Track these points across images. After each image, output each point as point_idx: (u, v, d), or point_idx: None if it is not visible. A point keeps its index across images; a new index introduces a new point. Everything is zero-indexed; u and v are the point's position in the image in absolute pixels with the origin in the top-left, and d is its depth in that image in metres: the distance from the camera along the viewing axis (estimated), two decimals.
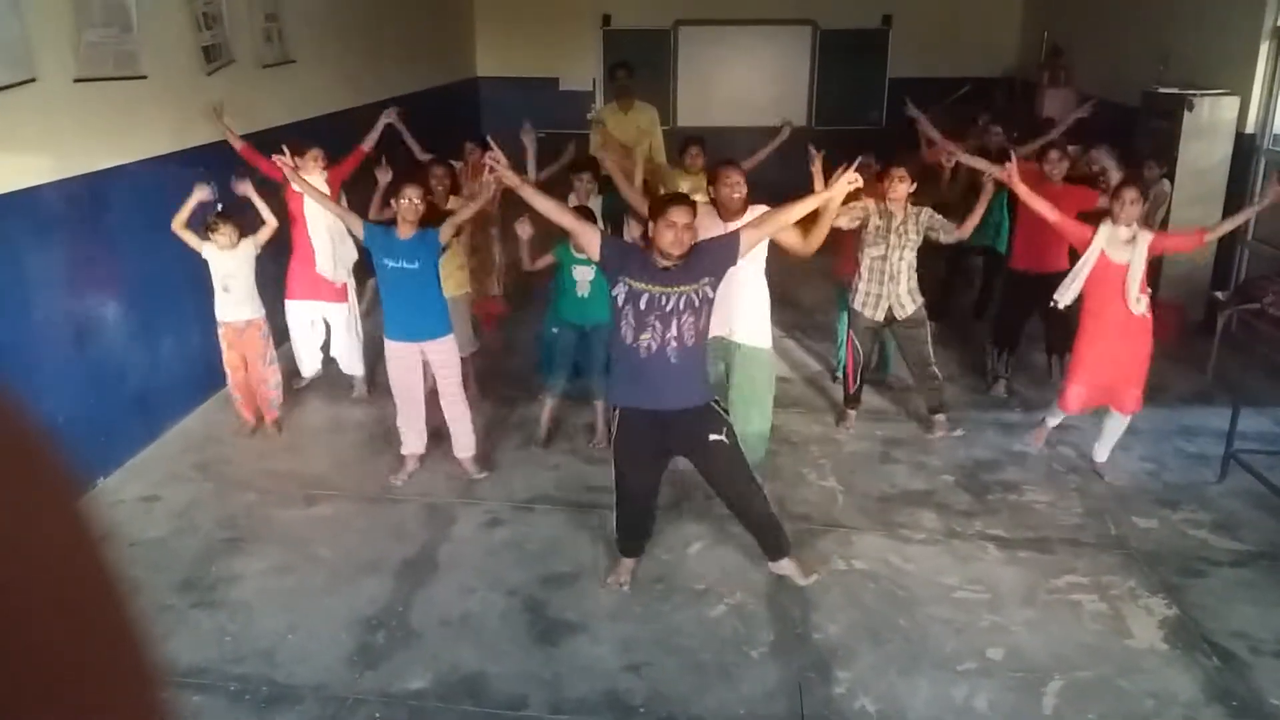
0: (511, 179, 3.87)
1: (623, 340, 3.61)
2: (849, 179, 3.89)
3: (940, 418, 5.37)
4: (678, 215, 3.48)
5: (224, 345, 5.18)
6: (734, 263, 3.72)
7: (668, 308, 3.53)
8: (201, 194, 4.95)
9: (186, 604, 3.87)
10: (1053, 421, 4.99)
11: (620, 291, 3.59)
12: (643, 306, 3.54)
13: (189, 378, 5.56)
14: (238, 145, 5.57)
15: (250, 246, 5.13)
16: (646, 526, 3.99)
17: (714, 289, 3.63)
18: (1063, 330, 5.70)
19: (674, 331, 3.54)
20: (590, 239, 3.71)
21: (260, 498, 4.72)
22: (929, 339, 5.28)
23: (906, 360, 5.43)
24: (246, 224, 5.11)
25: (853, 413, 5.53)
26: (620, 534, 3.99)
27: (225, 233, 5.00)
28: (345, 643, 3.64)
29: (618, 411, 3.75)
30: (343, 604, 3.88)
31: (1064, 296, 4.69)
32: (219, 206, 5.20)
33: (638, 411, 3.68)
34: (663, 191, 6.16)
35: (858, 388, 5.46)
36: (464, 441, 4.87)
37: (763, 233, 3.78)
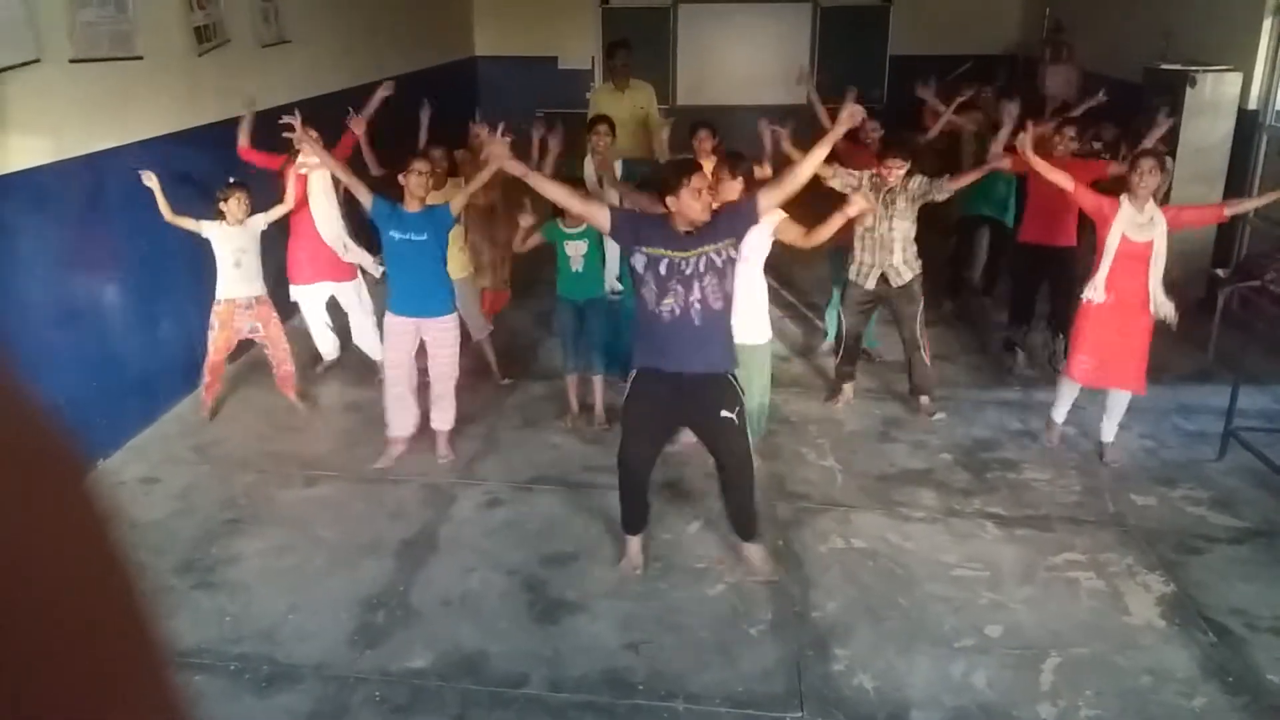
0: (517, 167, 3.89)
1: (645, 306, 3.62)
2: (850, 110, 3.82)
3: (924, 399, 5.39)
4: (699, 180, 3.52)
5: (216, 324, 5.11)
6: (755, 222, 3.73)
7: (688, 271, 3.54)
8: (148, 179, 4.79)
9: (187, 585, 3.88)
10: (1059, 417, 4.96)
11: (639, 260, 3.59)
12: (663, 272, 3.55)
13: (188, 359, 5.54)
14: (241, 142, 5.37)
15: (260, 221, 5.12)
16: (643, 499, 3.97)
17: (736, 249, 3.64)
18: (1068, 307, 5.69)
19: (696, 294, 3.55)
20: (601, 218, 3.71)
21: (259, 479, 4.73)
22: (920, 317, 5.27)
23: (901, 335, 5.43)
24: (254, 198, 5.10)
25: (847, 388, 5.52)
26: (623, 510, 3.98)
27: (239, 199, 4.98)
28: (346, 622, 3.66)
29: (634, 372, 3.74)
30: (343, 584, 3.89)
31: (1093, 291, 4.61)
32: (230, 179, 5.14)
33: (656, 374, 3.67)
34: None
35: (844, 361, 5.46)
36: (444, 416, 4.83)
37: (782, 192, 3.70)
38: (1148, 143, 5.38)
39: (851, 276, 5.29)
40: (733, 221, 3.65)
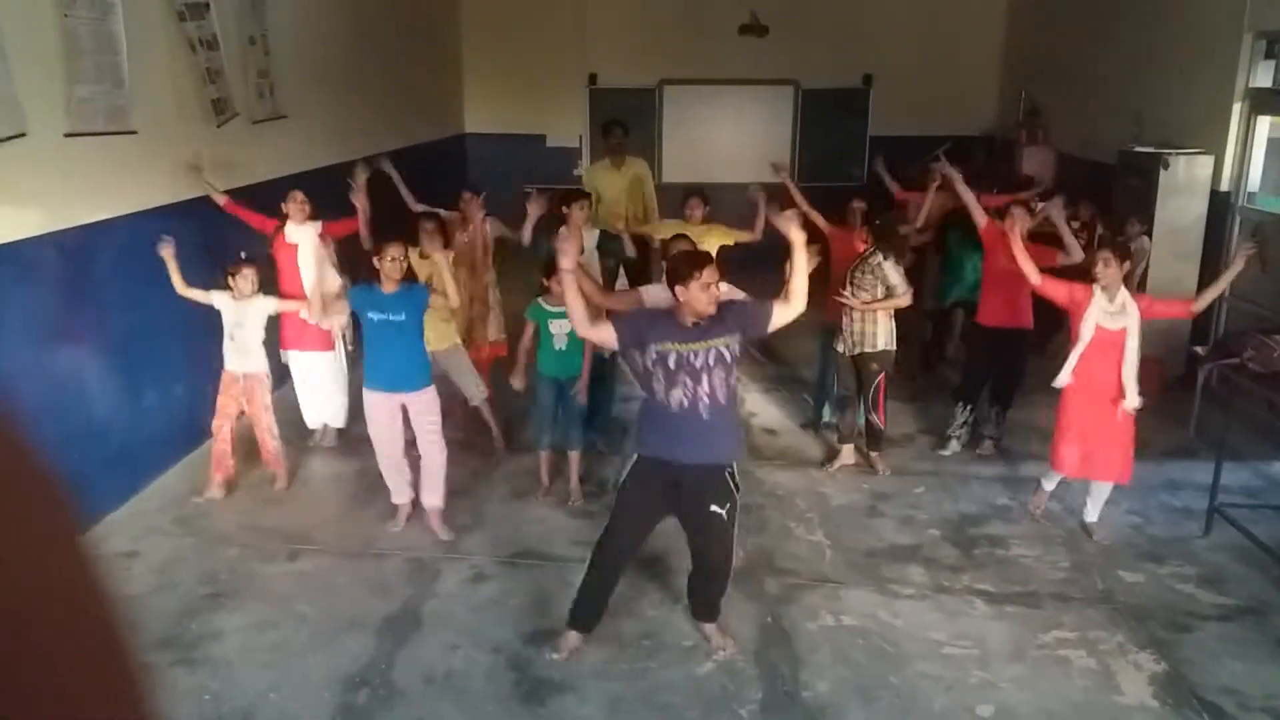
0: (578, 278, 3.80)
1: (654, 396, 3.61)
2: (788, 215, 3.74)
3: (874, 455, 5.65)
4: (709, 274, 3.51)
5: (221, 387, 5.15)
6: (762, 332, 3.76)
7: (697, 364, 3.54)
8: (165, 249, 4.84)
9: (166, 662, 3.79)
10: (1049, 485, 4.99)
11: (649, 357, 3.60)
12: (672, 365, 3.55)
13: (171, 432, 5.51)
14: (220, 200, 5.52)
15: (271, 306, 5.15)
16: (607, 595, 3.88)
17: (738, 345, 3.64)
18: (1013, 385, 5.78)
19: (706, 387, 3.54)
20: (609, 338, 3.74)
21: (242, 553, 4.66)
22: (879, 381, 5.46)
23: (861, 396, 5.61)
24: (265, 275, 5.16)
25: (846, 449, 5.64)
26: (579, 599, 3.85)
27: (247, 277, 5.01)
28: (328, 702, 3.58)
29: (635, 458, 3.72)
30: (325, 662, 3.82)
31: (1062, 378, 4.69)
32: (242, 254, 5.17)
33: (656, 461, 3.64)
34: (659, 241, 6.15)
35: (843, 420, 5.65)
36: (436, 493, 4.80)
37: (791, 310, 3.65)
38: (1055, 215, 5.49)
39: (837, 347, 5.56)
40: (740, 320, 3.65)
